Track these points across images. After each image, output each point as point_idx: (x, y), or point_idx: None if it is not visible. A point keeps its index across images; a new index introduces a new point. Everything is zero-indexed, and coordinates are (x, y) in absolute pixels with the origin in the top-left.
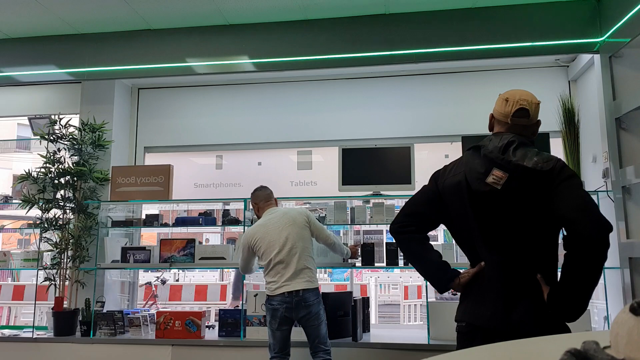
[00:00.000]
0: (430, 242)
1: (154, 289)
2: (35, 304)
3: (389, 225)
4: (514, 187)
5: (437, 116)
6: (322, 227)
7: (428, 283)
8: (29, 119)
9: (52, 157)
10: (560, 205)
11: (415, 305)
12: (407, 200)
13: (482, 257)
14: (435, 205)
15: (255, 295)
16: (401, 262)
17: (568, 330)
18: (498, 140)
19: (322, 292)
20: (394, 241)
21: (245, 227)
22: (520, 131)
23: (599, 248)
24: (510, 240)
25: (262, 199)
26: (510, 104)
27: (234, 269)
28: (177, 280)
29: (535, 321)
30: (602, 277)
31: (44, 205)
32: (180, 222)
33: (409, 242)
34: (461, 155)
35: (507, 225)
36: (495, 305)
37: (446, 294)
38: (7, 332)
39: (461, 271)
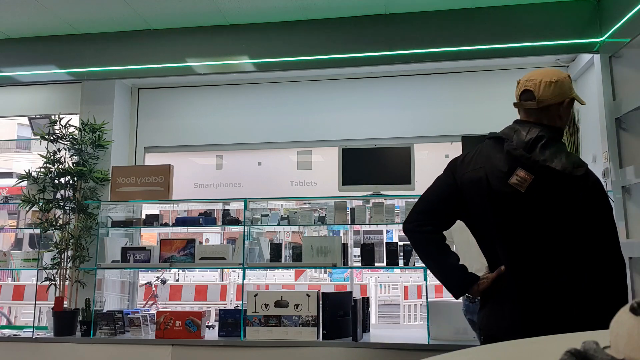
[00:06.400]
0: (447, 243)
1: (154, 289)
2: (35, 304)
3: (402, 224)
4: (540, 191)
5: (437, 116)
6: None
7: (429, 284)
8: (29, 119)
9: (52, 157)
10: (590, 225)
11: (415, 305)
12: (408, 199)
13: (502, 261)
14: (453, 202)
15: (255, 295)
16: (401, 262)
17: None
18: (525, 133)
19: (322, 292)
20: (408, 241)
21: (245, 228)
22: (539, 117)
23: (618, 281)
24: (532, 246)
25: None
26: (518, 87)
27: (234, 269)
28: (177, 280)
29: (554, 332)
30: None
31: (44, 205)
32: (180, 222)
33: (426, 243)
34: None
35: (530, 229)
36: (513, 315)
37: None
38: (7, 332)
39: (480, 275)
